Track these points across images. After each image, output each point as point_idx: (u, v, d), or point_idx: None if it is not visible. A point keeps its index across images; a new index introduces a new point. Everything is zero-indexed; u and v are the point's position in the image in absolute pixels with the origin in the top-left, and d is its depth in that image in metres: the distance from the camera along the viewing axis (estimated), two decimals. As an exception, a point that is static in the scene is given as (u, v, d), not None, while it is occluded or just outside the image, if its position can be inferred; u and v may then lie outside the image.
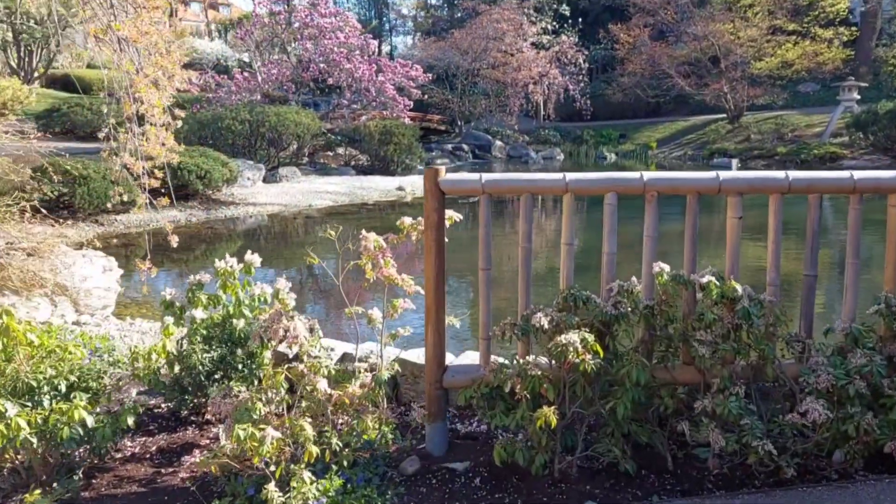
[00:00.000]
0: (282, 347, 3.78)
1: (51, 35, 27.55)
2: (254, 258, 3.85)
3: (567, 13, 35.88)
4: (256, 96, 21.22)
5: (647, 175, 3.20)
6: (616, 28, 33.00)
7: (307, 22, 19.24)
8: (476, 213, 3.32)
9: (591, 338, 2.89)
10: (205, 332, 3.71)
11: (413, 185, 17.80)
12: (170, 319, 3.68)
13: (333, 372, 3.12)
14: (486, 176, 3.23)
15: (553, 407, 2.84)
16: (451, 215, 3.35)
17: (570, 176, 3.22)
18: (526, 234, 3.26)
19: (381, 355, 3.46)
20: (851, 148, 23.36)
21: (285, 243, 11.92)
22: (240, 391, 3.18)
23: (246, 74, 21.63)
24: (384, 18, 59.35)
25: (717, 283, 3.08)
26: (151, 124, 5.85)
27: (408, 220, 3.42)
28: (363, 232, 3.35)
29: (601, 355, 2.92)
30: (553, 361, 2.97)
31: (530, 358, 3.19)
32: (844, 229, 3.53)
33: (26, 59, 28.20)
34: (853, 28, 30.95)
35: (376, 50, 21.05)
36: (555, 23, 34.81)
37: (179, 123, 8.36)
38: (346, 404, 3.10)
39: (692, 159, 28.92)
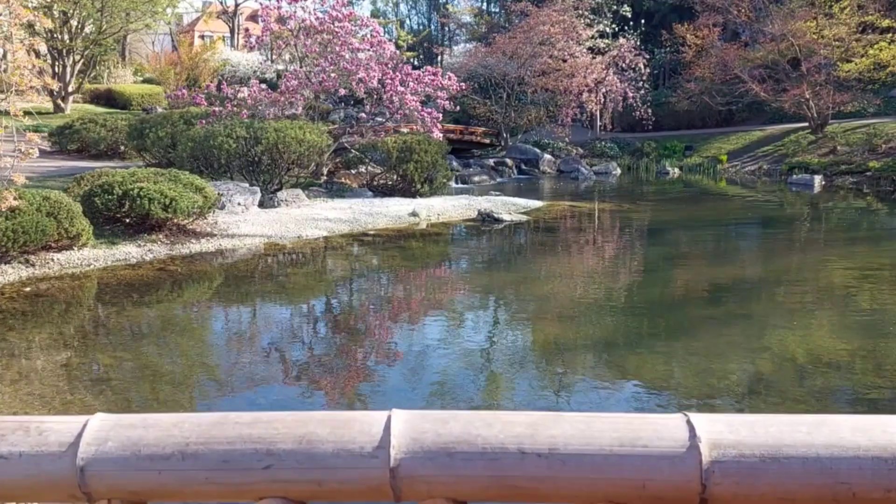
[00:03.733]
0: None
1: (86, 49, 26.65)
2: None
3: (629, 14, 32.89)
4: (296, 109, 19.31)
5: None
6: (682, 29, 29.87)
7: (317, 27, 17.18)
8: None
9: None
10: None
11: (430, 209, 15.48)
12: None
13: None
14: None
15: None
16: None
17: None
18: None
19: None
20: (961, 162, 19.77)
21: (226, 298, 9.84)
22: None
23: (263, 85, 19.79)
24: (446, 28, 57.55)
25: None
26: None
27: None
28: None
29: None
30: None
31: None
32: None
33: (60, 72, 27.32)
34: (960, 23, 27.03)
35: (398, 56, 18.83)
36: (615, 25, 31.92)
37: (35, 153, 6.36)
38: None
39: (768, 174, 25.63)
